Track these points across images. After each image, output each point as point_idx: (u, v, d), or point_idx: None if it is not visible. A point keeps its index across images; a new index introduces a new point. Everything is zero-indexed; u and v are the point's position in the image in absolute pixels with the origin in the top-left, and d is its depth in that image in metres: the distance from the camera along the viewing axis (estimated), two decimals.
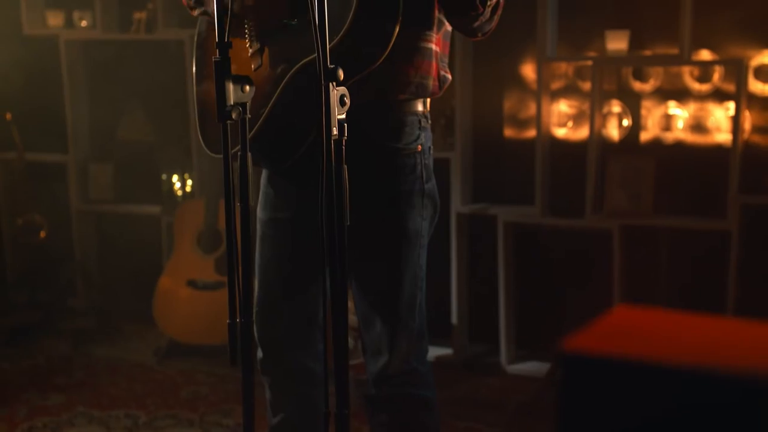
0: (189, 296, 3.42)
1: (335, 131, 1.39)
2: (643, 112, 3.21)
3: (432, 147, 1.82)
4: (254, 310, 1.85)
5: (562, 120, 3.32)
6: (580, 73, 3.25)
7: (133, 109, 3.93)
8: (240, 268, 1.57)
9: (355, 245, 1.58)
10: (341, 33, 1.55)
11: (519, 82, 3.37)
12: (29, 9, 3.90)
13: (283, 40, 1.70)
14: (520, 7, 3.16)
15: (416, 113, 1.75)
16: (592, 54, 3.19)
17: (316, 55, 1.35)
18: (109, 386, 3.17)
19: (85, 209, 3.95)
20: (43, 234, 3.91)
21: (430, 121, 1.81)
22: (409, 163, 1.75)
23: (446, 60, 1.79)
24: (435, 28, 1.72)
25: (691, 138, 3.15)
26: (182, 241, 3.51)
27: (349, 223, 1.40)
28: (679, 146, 3.17)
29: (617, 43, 3.03)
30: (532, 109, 3.32)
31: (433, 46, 1.72)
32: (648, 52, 3.13)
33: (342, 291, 1.42)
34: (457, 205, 3.35)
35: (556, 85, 3.28)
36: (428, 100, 1.79)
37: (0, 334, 3.65)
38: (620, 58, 3.06)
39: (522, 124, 3.40)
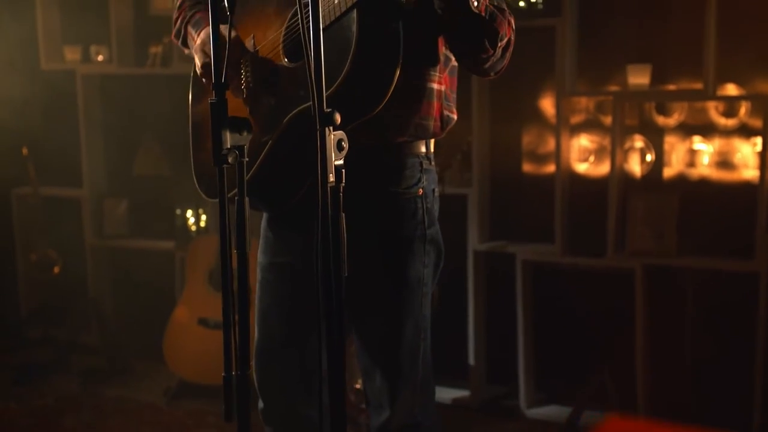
0: (200, 335, 3.35)
1: (332, 178, 1.33)
2: (667, 147, 3.11)
3: (436, 189, 1.74)
4: (253, 358, 1.78)
5: (583, 155, 3.23)
6: (601, 107, 3.17)
7: (148, 144, 3.91)
8: (236, 316, 1.50)
9: (354, 294, 1.51)
10: (338, 80, 1.49)
11: (538, 116, 3.29)
12: (47, 44, 3.91)
13: (279, 83, 1.64)
14: (539, 39, 3.10)
15: (417, 155, 1.68)
16: (613, 88, 3.11)
17: (311, 100, 1.28)
18: (118, 429, 3.10)
19: (99, 244, 3.92)
20: (57, 269, 3.88)
21: (433, 163, 1.73)
22: (410, 208, 1.67)
23: (453, 96, 1.72)
24: (440, 66, 1.65)
25: (716, 174, 3.04)
26: (194, 278, 3.45)
27: (347, 274, 1.33)
28: (705, 183, 3.06)
29: (639, 77, 2.95)
30: (551, 144, 3.24)
31: (436, 86, 1.65)
32: (671, 86, 3.04)
33: (340, 346, 1.34)
34: (474, 243, 3.26)
35: (576, 119, 3.20)
36: (432, 140, 1.72)
37: (11, 371, 3.61)
38: (642, 93, 2.98)
39: (541, 159, 3.32)
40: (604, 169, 3.17)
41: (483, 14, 1.45)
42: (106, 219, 3.93)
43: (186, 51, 1.84)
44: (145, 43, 3.79)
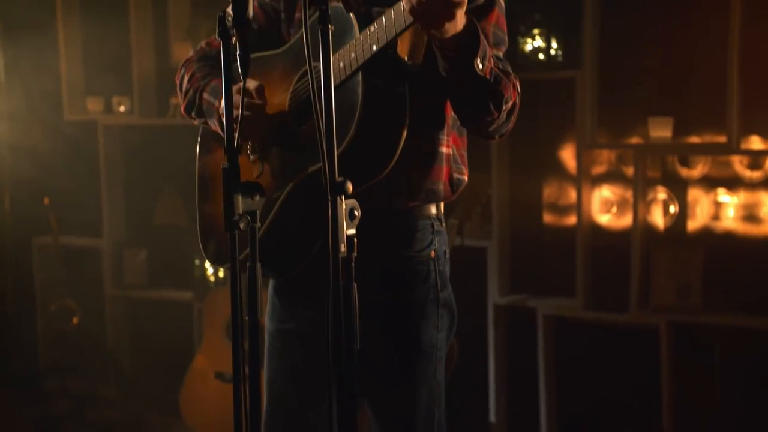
0: (217, 389, 3.31)
1: (344, 248, 1.30)
2: (690, 199, 3.06)
3: (448, 251, 1.71)
4: (263, 427, 1.74)
5: (605, 206, 3.18)
6: (622, 158, 3.13)
7: (168, 194, 3.92)
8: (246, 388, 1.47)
9: (366, 361, 1.47)
10: (344, 144, 1.47)
11: (558, 168, 3.26)
12: (70, 95, 3.95)
13: (284, 148, 1.63)
14: (559, 91, 3.07)
15: (428, 217, 1.65)
16: (634, 140, 3.07)
17: (320, 165, 1.27)
18: None
19: (118, 295, 3.91)
20: (75, 320, 3.87)
21: (444, 224, 1.70)
22: (422, 271, 1.64)
23: (464, 157, 1.69)
24: (446, 129, 1.62)
25: (742, 228, 2.98)
26: (212, 330, 3.42)
27: (359, 347, 1.30)
28: (730, 236, 3.00)
29: (661, 130, 2.91)
30: (572, 196, 3.20)
31: (445, 150, 1.63)
32: (694, 139, 3.00)
33: (351, 416, 1.30)
34: (494, 296, 3.21)
35: (597, 170, 3.16)
36: (442, 203, 1.69)
37: (29, 424, 3.58)
38: (664, 146, 2.93)
39: (562, 211, 3.28)
40: (626, 221, 3.12)
41: (488, 77, 1.44)
42: (125, 269, 3.92)
43: (195, 122, 1.81)
44: (166, 94, 3.82)
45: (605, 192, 3.17)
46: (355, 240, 1.30)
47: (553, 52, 3.09)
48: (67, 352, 3.91)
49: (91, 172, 3.93)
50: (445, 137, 1.62)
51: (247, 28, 1.43)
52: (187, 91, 1.77)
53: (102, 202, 3.91)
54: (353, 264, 1.29)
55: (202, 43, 1.82)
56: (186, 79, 1.78)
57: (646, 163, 3.01)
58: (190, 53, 3.74)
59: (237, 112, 1.42)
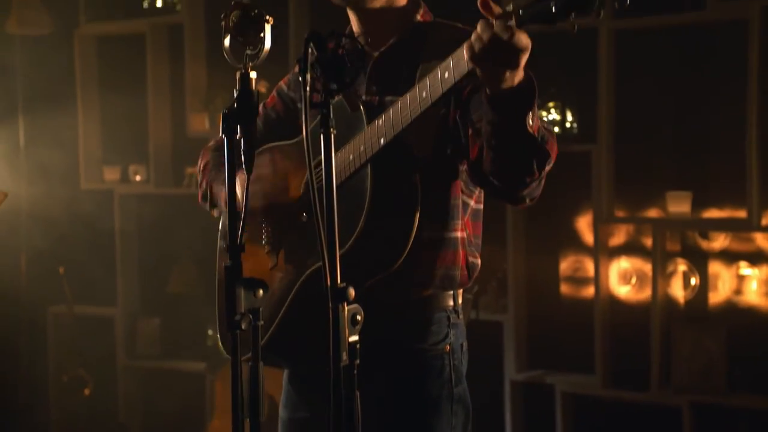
0: None
1: (345, 357, 1.26)
2: (711, 271, 3.00)
3: (465, 344, 1.65)
4: None
5: (624, 278, 3.12)
6: (641, 229, 3.08)
7: (183, 263, 3.90)
8: None
9: None
10: (353, 237, 1.45)
11: (575, 240, 3.21)
12: (87, 164, 3.97)
13: (297, 239, 1.61)
14: (575, 163, 3.04)
15: (444, 308, 1.60)
16: (652, 214, 3.03)
17: (323, 275, 1.23)
18: None
19: (131, 365, 3.87)
20: (87, 391, 3.83)
21: (461, 315, 1.65)
22: (436, 366, 1.59)
23: (478, 241, 1.65)
24: (460, 214, 1.58)
25: (766, 303, 2.90)
26: (224, 405, 3.36)
27: None
28: (754, 312, 2.92)
29: (679, 205, 2.86)
30: (590, 269, 3.14)
31: (460, 234, 1.59)
32: (713, 213, 2.94)
33: None
34: (511, 372, 3.14)
35: (615, 241, 3.11)
36: (459, 291, 1.65)
37: None
38: (683, 222, 2.88)
39: (579, 284, 3.22)
40: (646, 293, 3.05)
41: (536, 135, 1.35)
42: (138, 338, 3.89)
43: (214, 213, 1.81)
44: (182, 164, 3.83)
45: (624, 263, 3.12)
46: (358, 347, 1.27)
47: (568, 125, 3.07)
48: (78, 425, 3.86)
49: (107, 241, 3.93)
50: (460, 221, 1.59)
51: (252, 124, 1.42)
52: (201, 182, 1.80)
53: (116, 271, 3.90)
54: (356, 372, 1.25)
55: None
56: (202, 168, 1.80)
57: (665, 236, 2.95)
58: (206, 124, 3.74)
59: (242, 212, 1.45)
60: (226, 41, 1.50)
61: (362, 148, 1.48)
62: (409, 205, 1.48)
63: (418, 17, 1.59)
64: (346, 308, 1.26)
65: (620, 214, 3.06)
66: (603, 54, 2.90)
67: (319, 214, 1.24)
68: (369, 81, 1.58)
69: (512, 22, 1.22)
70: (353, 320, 1.28)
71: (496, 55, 1.24)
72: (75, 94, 3.94)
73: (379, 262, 1.51)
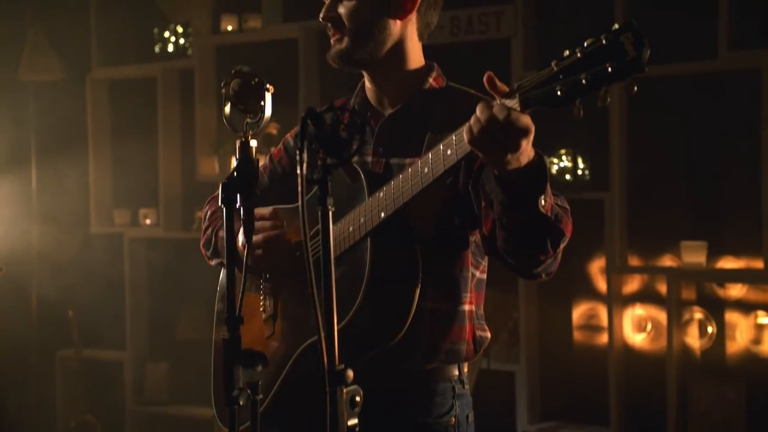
0: None
1: None
2: (728, 320, 2.93)
3: (471, 414, 1.60)
4: None
5: (639, 325, 3.05)
6: (655, 276, 3.02)
7: (191, 308, 3.87)
8: None
9: None
10: (351, 311, 1.42)
11: (588, 289, 3.15)
12: (97, 208, 3.96)
13: (294, 308, 1.57)
14: (587, 211, 2.99)
15: (449, 379, 1.56)
16: (667, 263, 2.97)
17: (319, 359, 1.20)
18: None
19: (139, 410, 3.84)
20: None
21: (467, 386, 1.60)
22: None
23: (481, 312, 1.60)
24: (468, 285, 1.53)
25: None
26: None
27: None
28: None
29: (694, 255, 2.81)
30: (603, 317, 3.08)
31: (467, 307, 1.54)
32: (729, 262, 2.89)
33: None
34: (523, 424, 3.08)
35: (629, 288, 3.05)
36: (465, 363, 1.60)
37: None
38: (699, 273, 2.82)
39: (593, 333, 3.15)
40: (661, 341, 2.98)
41: (549, 214, 1.31)
42: (146, 383, 3.86)
43: (212, 262, 1.78)
44: (191, 208, 3.82)
45: (638, 310, 3.06)
46: (357, 429, 1.23)
47: (580, 172, 3.03)
48: None
49: (116, 284, 3.91)
50: (468, 294, 1.54)
51: (252, 193, 1.40)
52: (206, 228, 1.76)
53: (126, 315, 3.88)
54: None
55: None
56: (208, 215, 1.77)
57: (680, 286, 2.90)
58: (216, 168, 3.69)
59: (256, 237, 1.50)
60: (227, 109, 1.48)
61: (362, 220, 1.45)
62: (409, 279, 1.44)
63: (431, 80, 1.56)
64: (344, 391, 1.22)
65: (634, 262, 3.01)
66: (615, 101, 2.87)
67: (315, 292, 1.21)
68: (376, 142, 1.55)
69: (515, 103, 1.19)
70: (352, 402, 1.24)
71: (495, 137, 1.20)
72: (86, 138, 3.95)
73: (378, 337, 1.47)
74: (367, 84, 1.59)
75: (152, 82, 3.82)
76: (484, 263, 1.57)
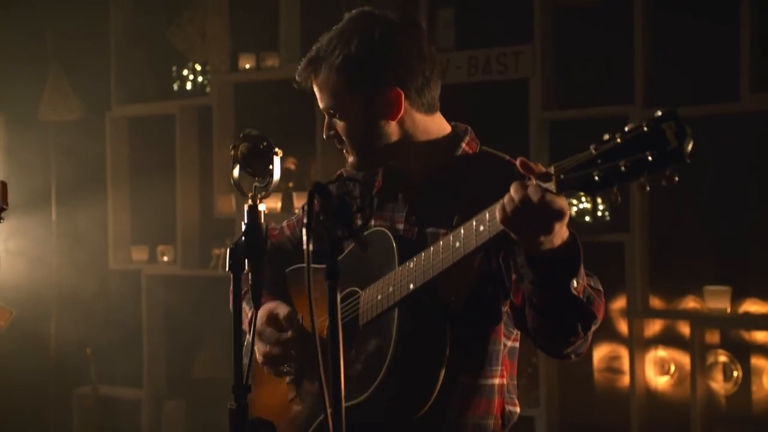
0: None
1: None
2: (754, 365, 2.86)
3: None
4: None
5: (661, 368, 2.98)
6: (678, 319, 2.95)
7: (209, 346, 3.85)
8: None
9: None
10: (374, 385, 1.38)
11: (610, 331, 3.09)
12: (116, 244, 3.97)
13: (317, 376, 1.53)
14: (608, 252, 2.94)
15: None
16: (689, 305, 2.91)
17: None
18: None
19: None
20: None
21: None
22: None
23: (514, 382, 1.53)
24: (500, 358, 1.47)
25: None
26: None
27: None
28: None
29: (718, 301, 2.75)
30: (625, 360, 3.02)
31: (498, 380, 1.47)
32: (754, 306, 2.82)
33: None
34: None
35: (651, 330, 2.99)
36: None
37: None
38: (722, 319, 2.76)
39: (614, 376, 3.09)
40: (685, 385, 2.92)
41: (581, 296, 1.27)
42: (163, 421, 3.83)
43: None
44: (209, 245, 3.81)
45: (661, 352, 2.99)
46: None
47: (599, 213, 2.98)
48: None
49: (134, 322, 3.90)
50: (498, 367, 1.48)
51: (260, 259, 1.37)
52: (245, 293, 1.71)
53: (143, 352, 3.86)
54: None
55: None
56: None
57: (704, 331, 2.83)
58: (233, 206, 3.62)
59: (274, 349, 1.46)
60: (235, 172, 1.46)
61: (391, 289, 1.41)
62: (436, 359, 1.40)
63: (464, 145, 1.50)
64: None
65: (655, 304, 2.95)
66: None
67: (322, 371, 1.17)
68: (409, 211, 1.50)
69: (551, 185, 1.15)
70: None
71: (528, 218, 1.17)
72: (105, 176, 3.96)
73: (400, 412, 1.43)
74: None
75: (171, 119, 3.83)
76: (516, 332, 1.50)
